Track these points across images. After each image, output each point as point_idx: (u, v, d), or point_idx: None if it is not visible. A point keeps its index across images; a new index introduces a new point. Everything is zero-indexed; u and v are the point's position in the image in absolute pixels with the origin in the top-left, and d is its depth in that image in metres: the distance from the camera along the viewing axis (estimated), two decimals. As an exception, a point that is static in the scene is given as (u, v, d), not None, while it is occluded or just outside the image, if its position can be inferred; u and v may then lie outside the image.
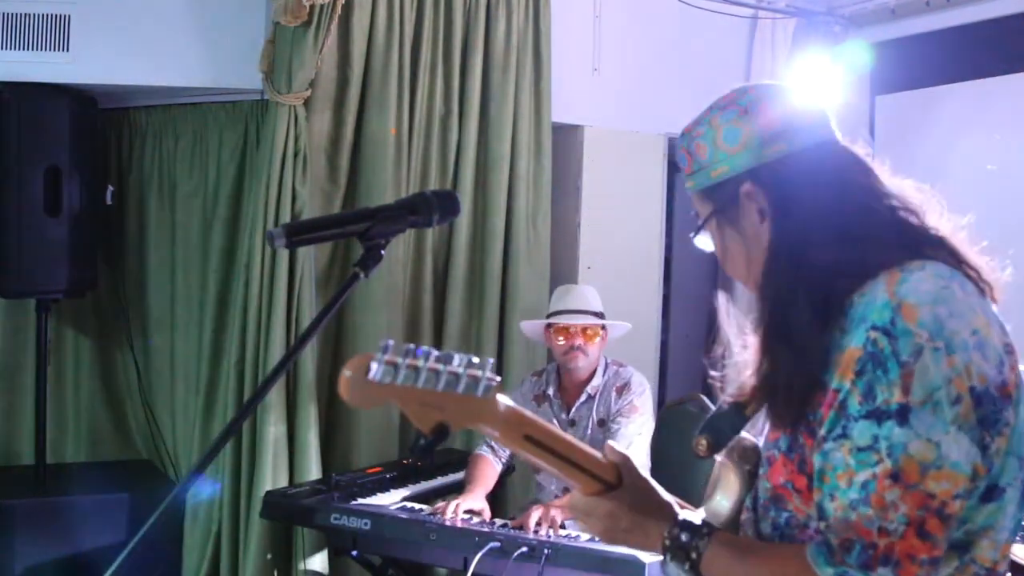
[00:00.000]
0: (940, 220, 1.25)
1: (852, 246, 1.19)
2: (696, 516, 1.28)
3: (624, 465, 1.29)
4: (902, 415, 1.09)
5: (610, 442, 1.33)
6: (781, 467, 1.23)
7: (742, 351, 1.33)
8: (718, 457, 1.35)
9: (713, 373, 1.38)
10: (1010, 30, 4.01)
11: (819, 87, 4.15)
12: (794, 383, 1.20)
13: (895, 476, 1.08)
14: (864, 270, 1.17)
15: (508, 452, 3.33)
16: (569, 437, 1.26)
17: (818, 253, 1.20)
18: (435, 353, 1.07)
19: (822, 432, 1.15)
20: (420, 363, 1.06)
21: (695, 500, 1.42)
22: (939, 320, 1.10)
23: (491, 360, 1.11)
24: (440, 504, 3.01)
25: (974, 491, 1.11)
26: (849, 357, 1.13)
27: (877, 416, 1.10)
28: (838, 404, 1.13)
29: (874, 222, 1.22)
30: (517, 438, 1.19)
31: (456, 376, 1.08)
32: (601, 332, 3.28)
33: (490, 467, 3.28)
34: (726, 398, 1.35)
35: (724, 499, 1.32)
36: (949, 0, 4.16)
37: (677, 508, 1.29)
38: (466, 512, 2.98)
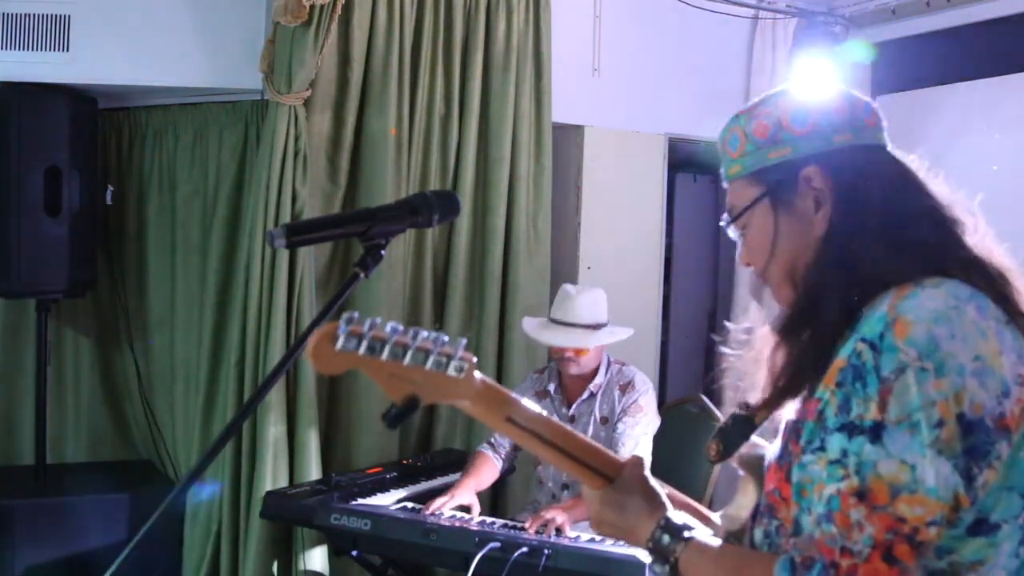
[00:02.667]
0: (989, 245, 1.22)
1: (896, 250, 1.17)
2: (683, 517, 1.27)
3: (630, 463, 1.29)
4: (875, 432, 1.05)
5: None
6: (772, 474, 1.22)
7: (751, 352, 1.32)
8: (736, 466, 1.34)
9: (729, 359, 1.36)
10: (1010, 30, 4.02)
11: (819, 87, 4.15)
12: (805, 363, 1.18)
13: (860, 494, 1.04)
14: (890, 279, 1.14)
15: (509, 451, 3.33)
16: (561, 425, 1.26)
17: (868, 250, 1.18)
18: (401, 327, 1.08)
19: (802, 443, 1.13)
20: (386, 334, 1.07)
21: (695, 497, 1.42)
22: (934, 340, 1.06)
23: (463, 340, 1.12)
24: (431, 502, 3.03)
25: (958, 522, 1.06)
26: (835, 368, 1.11)
27: (849, 430, 1.07)
28: (817, 414, 1.11)
29: (919, 230, 1.19)
30: (498, 419, 1.20)
31: (426, 351, 1.09)
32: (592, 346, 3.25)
33: (487, 464, 3.28)
34: (740, 403, 1.33)
35: (741, 507, 1.32)
36: (949, 0, 4.17)
37: (671, 509, 1.28)
38: (456, 508, 3.00)
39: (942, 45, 4.28)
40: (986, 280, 1.16)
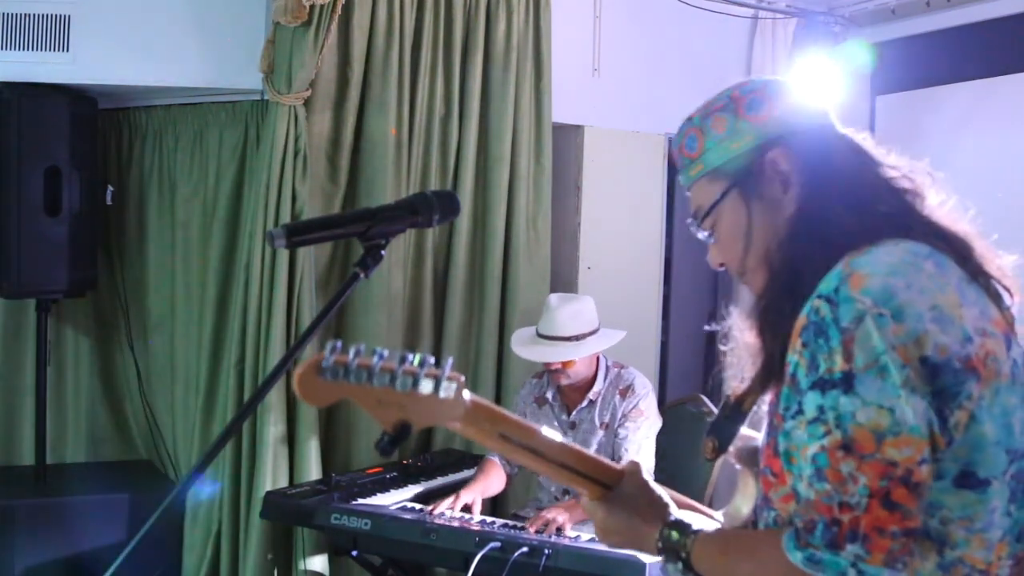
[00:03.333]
0: (950, 213, 1.24)
1: (864, 218, 1.19)
2: (690, 516, 1.28)
3: (629, 471, 1.30)
4: (846, 383, 1.05)
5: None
6: (763, 454, 1.22)
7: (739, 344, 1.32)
8: (733, 461, 1.35)
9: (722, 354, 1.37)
10: (1010, 30, 4.01)
11: (819, 87, 4.15)
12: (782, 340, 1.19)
13: (847, 447, 1.04)
14: (852, 245, 1.15)
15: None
16: (556, 438, 1.26)
17: (840, 221, 1.19)
18: (387, 353, 1.07)
19: (779, 412, 1.14)
20: (372, 362, 1.06)
21: (696, 498, 1.43)
22: (889, 289, 1.07)
23: (450, 359, 1.11)
24: (437, 503, 3.03)
25: (941, 468, 1.07)
26: (797, 327, 1.12)
27: (821, 386, 1.07)
28: (790, 378, 1.12)
29: (881, 200, 1.22)
30: (491, 436, 1.20)
31: (414, 375, 1.08)
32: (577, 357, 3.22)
33: (496, 471, 3.28)
34: (728, 394, 1.34)
35: (743, 503, 1.32)
36: (949, 0, 4.16)
37: (674, 508, 1.29)
38: (460, 509, 3.01)
39: (942, 45, 4.28)
40: (947, 242, 1.17)
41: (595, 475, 1.28)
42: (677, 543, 1.24)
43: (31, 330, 3.95)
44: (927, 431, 1.05)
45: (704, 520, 1.28)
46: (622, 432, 3.19)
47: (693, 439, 3.43)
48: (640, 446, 3.16)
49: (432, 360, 1.10)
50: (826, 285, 1.10)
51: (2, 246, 3.65)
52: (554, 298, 3.32)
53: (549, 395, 3.35)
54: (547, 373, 3.33)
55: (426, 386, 1.09)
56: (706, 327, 1.41)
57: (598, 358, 3.31)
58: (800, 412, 1.09)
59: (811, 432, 1.08)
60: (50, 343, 3.93)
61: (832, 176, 1.23)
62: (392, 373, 1.07)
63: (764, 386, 1.25)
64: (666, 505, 1.29)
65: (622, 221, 4.37)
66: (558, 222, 4.25)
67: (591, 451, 3.40)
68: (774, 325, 1.21)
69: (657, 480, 1.34)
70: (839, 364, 1.06)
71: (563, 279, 4.26)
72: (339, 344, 1.06)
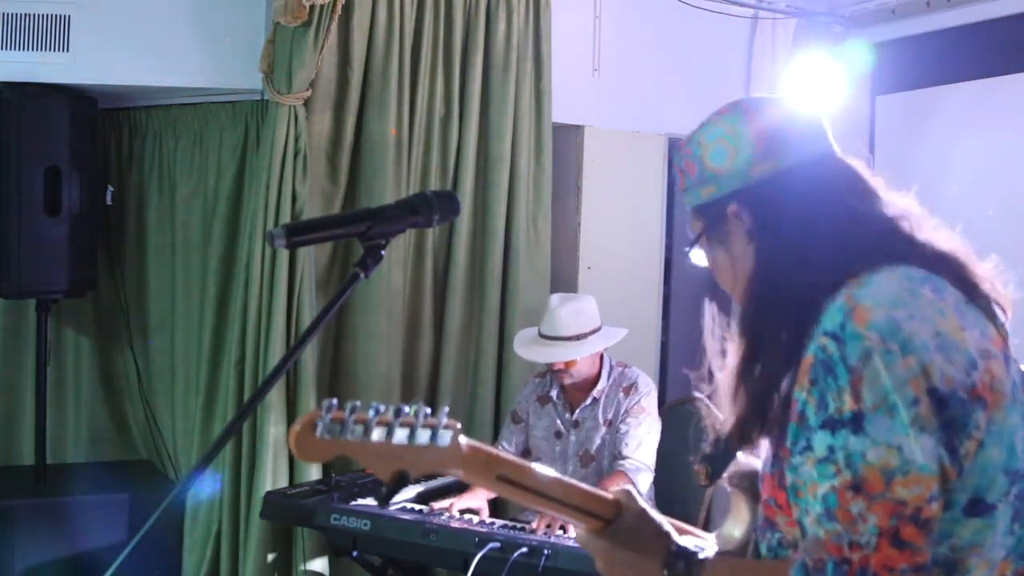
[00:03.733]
0: (938, 234, 1.22)
1: (835, 262, 1.18)
2: (693, 542, 1.27)
3: (624, 499, 1.28)
4: (856, 423, 1.06)
5: (620, 466, 1.34)
6: (767, 484, 1.22)
7: (721, 371, 1.32)
8: (726, 486, 1.35)
9: (699, 394, 1.38)
10: (1010, 30, 4.01)
11: (819, 88, 4.16)
12: (758, 403, 1.20)
13: (856, 487, 1.05)
14: (841, 278, 1.15)
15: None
16: (552, 473, 1.25)
17: (801, 274, 1.19)
18: (383, 407, 1.08)
19: (787, 445, 1.14)
20: (368, 416, 1.07)
21: (695, 497, 1.43)
22: (894, 322, 1.08)
23: (446, 408, 1.12)
24: (439, 503, 3.03)
25: (951, 499, 1.07)
26: (805, 365, 1.12)
27: (831, 426, 1.07)
28: (798, 415, 1.12)
29: (861, 237, 1.20)
30: (489, 479, 1.20)
31: (410, 426, 1.09)
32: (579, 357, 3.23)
33: None
34: (712, 445, 1.34)
35: (735, 526, 1.32)
36: (949, 0, 4.16)
37: (676, 535, 1.27)
38: (463, 511, 3.00)
39: (942, 45, 4.28)
40: (941, 264, 1.17)
41: (592, 508, 1.27)
42: (684, 573, 1.23)
43: (31, 330, 3.95)
44: (936, 468, 1.05)
45: (705, 545, 1.27)
46: (623, 427, 3.19)
47: (693, 440, 3.43)
48: (641, 441, 3.16)
49: (428, 411, 1.11)
50: (831, 321, 1.10)
51: (2, 246, 3.65)
52: (555, 298, 3.32)
53: (553, 394, 3.35)
54: (550, 372, 3.33)
55: (423, 436, 1.10)
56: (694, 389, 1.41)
57: (601, 357, 3.31)
58: (809, 448, 1.10)
59: (821, 471, 1.08)
60: (50, 343, 3.93)
61: (795, 224, 1.22)
62: (389, 427, 1.08)
63: (748, 439, 1.25)
64: (667, 532, 1.27)
65: (622, 221, 4.37)
66: (558, 222, 4.25)
67: (593, 449, 3.40)
68: (747, 386, 1.23)
69: (657, 480, 1.34)
70: (848, 404, 1.06)
71: (563, 279, 4.25)
72: (335, 402, 1.08)
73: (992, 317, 1.18)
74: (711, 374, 1.34)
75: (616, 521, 1.27)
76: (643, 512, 1.28)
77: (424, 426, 1.10)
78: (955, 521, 1.09)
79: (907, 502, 1.04)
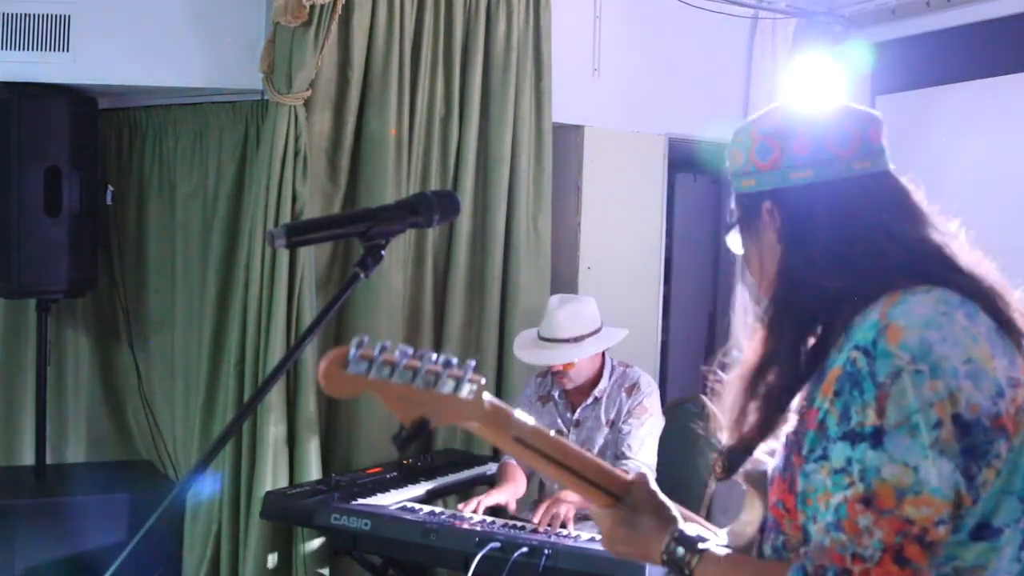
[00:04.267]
0: (977, 261, 1.22)
1: (863, 277, 1.19)
2: (696, 530, 1.28)
3: (637, 481, 1.31)
4: (876, 438, 1.06)
5: (622, 466, 1.36)
6: (776, 487, 1.23)
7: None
8: (741, 483, 1.35)
9: (717, 378, 1.38)
10: (1010, 30, 4.01)
11: (819, 88, 4.15)
12: (773, 402, 1.22)
13: (867, 501, 1.06)
14: (871, 294, 1.16)
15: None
16: (570, 444, 1.28)
17: (827, 281, 1.21)
18: (411, 351, 1.10)
19: (804, 452, 1.14)
20: (396, 358, 1.09)
21: (695, 497, 1.43)
22: (926, 343, 1.08)
23: (472, 362, 1.14)
24: (465, 503, 3.04)
25: (961, 523, 1.08)
26: (832, 376, 1.13)
27: (852, 438, 1.08)
28: (818, 424, 1.13)
29: (896, 256, 1.20)
30: (507, 439, 1.22)
31: (436, 374, 1.11)
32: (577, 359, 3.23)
33: (518, 472, 3.28)
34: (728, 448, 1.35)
35: (748, 523, 1.33)
36: (949, 0, 4.17)
37: (683, 523, 1.29)
38: (489, 509, 3.01)
39: (942, 45, 4.28)
40: (976, 291, 1.17)
41: (605, 484, 1.29)
42: (681, 559, 1.24)
43: (31, 330, 3.95)
44: (951, 493, 1.06)
45: (712, 537, 1.28)
46: (625, 428, 3.19)
47: (693, 439, 3.43)
48: (643, 442, 3.17)
49: (455, 361, 1.12)
50: (863, 336, 1.11)
51: (2, 246, 3.65)
52: (555, 299, 3.33)
53: (555, 393, 3.35)
54: (550, 373, 3.33)
55: (447, 385, 1.11)
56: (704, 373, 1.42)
57: (603, 356, 3.31)
58: (825, 458, 1.11)
59: (835, 481, 1.09)
60: (50, 343, 3.93)
61: (824, 237, 1.22)
62: (415, 371, 1.09)
63: (759, 442, 1.26)
64: (674, 517, 1.29)
65: (622, 221, 4.37)
66: (558, 222, 4.25)
67: (595, 449, 3.40)
68: (760, 389, 1.25)
69: (658, 480, 1.34)
70: (871, 419, 1.07)
71: (563, 279, 4.25)
72: (366, 339, 1.08)
73: (1020, 346, 1.18)
74: (730, 362, 1.35)
75: (624, 499, 1.29)
76: (653, 493, 1.30)
77: (450, 376, 1.11)
78: (961, 544, 1.09)
79: (915, 521, 1.05)
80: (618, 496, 1.29)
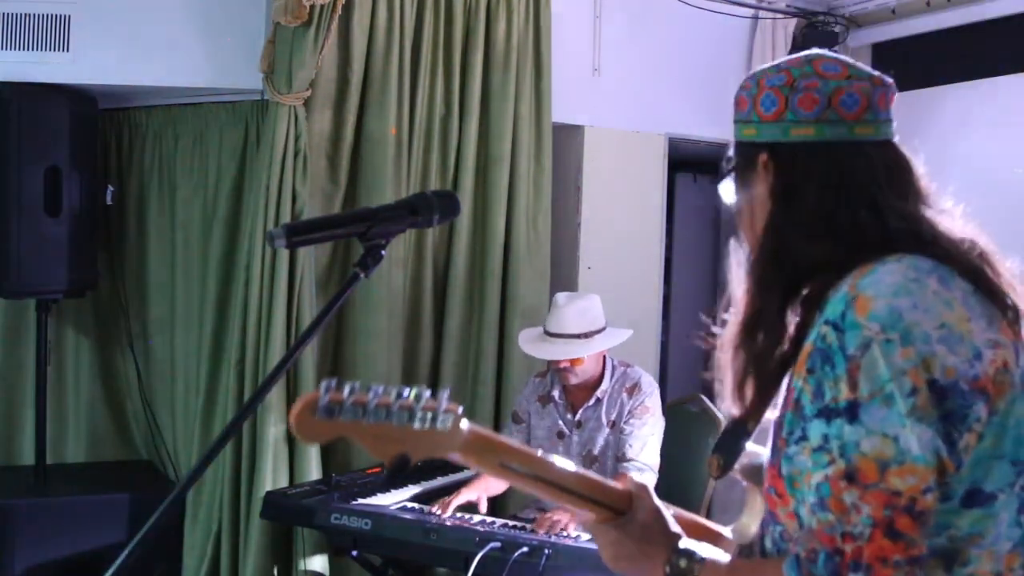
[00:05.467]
0: (959, 227, 1.21)
1: (838, 245, 1.18)
2: (696, 544, 1.26)
3: (638, 494, 1.27)
4: (851, 412, 1.05)
5: (623, 468, 1.34)
6: (768, 473, 1.21)
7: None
8: (739, 478, 1.34)
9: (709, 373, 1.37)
10: (1010, 30, 4.02)
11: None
12: (762, 368, 1.21)
13: (850, 477, 1.04)
14: (846, 264, 1.15)
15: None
16: (558, 462, 1.24)
17: (805, 245, 1.20)
18: (382, 388, 1.08)
19: (783, 435, 1.13)
20: (367, 398, 1.07)
21: (695, 495, 1.43)
22: (896, 312, 1.06)
23: (446, 391, 1.11)
24: (441, 503, 3.02)
25: (949, 490, 1.06)
26: (804, 353, 1.12)
27: (827, 414, 1.07)
28: (794, 404, 1.12)
29: (875, 228, 1.18)
30: (491, 465, 1.19)
31: (409, 409, 1.08)
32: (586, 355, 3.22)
33: None
34: (726, 422, 1.34)
35: (751, 521, 1.31)
36: (949, 0, 4.17)
37: (684, 536, 1.27)
38: (459, 508, 2.99)
39: (942, 45, 4.28)
40: (950, 254, 1.15)
41: (602, 499, 1.26)
42: (685, 570, 1.23)
43: (31, 330, 3.95)
44: (933, 459, 1.04)
45: (712, 549, 1.26)
46: (627, 428, 3.18)
47: (693, 439, 3.43)
48: (645, 443, 3.15)
49: (428, 393, 1.10)
50: (833, 310, 1.10)
51: (2, 246, 3.65)
52: (562, 296, 3.33)
53: (555, 394, 3.34)
54: (553, 372, 3.33)
55: (422, 419, 1.09)
56: (703, 327, 1.41)
57: (604, 357, 3.31)
58: (804, 438, 1.09)
59: (815, 460, 1.07)
60: (50, 343, 3.93)
61: (813, 200, 1.21)
62: (388, 408, 1.07)
63: (759, 409, 1.25)
64: (676, 534, 1.27)
65: (622, 221, 4.37)
66: (558, 222, 4.25)
67: (597, 450, 3.39)
68: (748, 353, 1.23)
69: (658, 480, 1.34)
70: (844, 393, 1.06)
71: (563, 279, 4.25)
72: (334, 382, 1.07)
73: (1004, 308, 1.16)
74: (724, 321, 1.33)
75: (627, 514, 1.26)
76: (656, 509, 1.28)
77: (424, 409, 1.09)
78: (953, 512, 1.07)
79: (902, 492, 1.03)
80: (618, 510, 1.26)
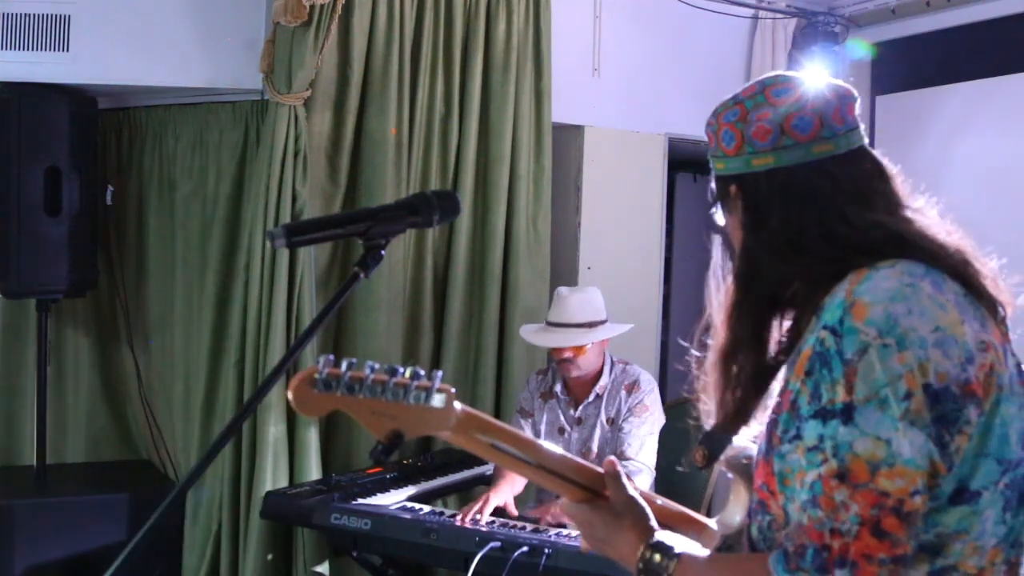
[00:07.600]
0: (944, 231, 1.23)
1: (815, 260, 1.21)
2: (674, 537, 1.28)
3: (614, 480, 1.32)
4: (846, 414, 1.08)
5: (612, 459, 1.36)
6: (760, 470, 1.23)
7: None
8: (724, 469, 1.36)
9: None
10: (1010, 30, 4.02)
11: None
12: (748, 385, 1.25)
13: (841, 476, 1.07)
14: (829, 275, 1.18)
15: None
16: (545, 445, 1.28)
17: (779, 266, 1.24)
18: (378, 365, 1.12)
19: (778, 433, 1.16)
20: (364, 374, 1.11)
21: (694, 494, 1.44)
22: (892, 317, 1.09)
23: (439, 372, 1.16)
24: (468, 506, 2.98)
25: (938, 490, 1.09)
26: (803, 357, 1.14)
27: (823, 415, 1.10)
28: (791, 404, 1.14)
29: (855, 238, 1.20)
30: (481, 446, 1.23)
31: (404, 387, 1.12)
32: (590, 344, 3.23)
33: None
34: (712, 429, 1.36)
35: (735, 511, 1.33)
36: (949, 0, 4.17)
37: (659, 530, 1.29)
38: (492, 513, 2.97)
39: (942, 45, 4.28)
40: (940, 258, 1.19)
41: (583, 481, 1.31)
42: (659, 566, 1.25)
43: (31, 330, 3.95)
44: (924, 463, 1.07)
45: (690, 543, 1.28)
46: (626, 427, 3.19)
47: (693, 439, 3.43)
48: (643, 442, 3.16)
49: (422, 372, 1.14)
50: (831, 316, 1.13)
51: (2, 246, 3.65)
52: (563, 289, 3.37)
53: (557, 389, 3.35)
54: (555, 365, 3.33)
55: (416, 397, 1.13)
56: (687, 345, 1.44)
57: (604, 352, 3.32)
58: (798, 437, 1.12)
59: (809, 459, 1.10)
60: (50, 343, 3.93)
61: (780, 223, 1.24)
62: (384, 384, 1.12)
63: (741, 423, 1.29)
64: (650, 525, 1.29)
65: (622, 221, 4.37)
66: (558, 222, 4.25)
67: (595, 447, 3.39)
68: (731, 372, 1.28)
69: (657, 480, 1.35)
70: (841, 395, 1.09)
71: (563, 279, 4.25)
72: (331, 357, 1.11)
73: (993, 310, 1.19)
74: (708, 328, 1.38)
75: (602, 497, 1.31)
76: (629, 498, 1.31)
77: (418, 387, 1.13)
78: (941, 510, 1.10)
79: (890, 493, 1.06)
80: (593, 491, 1.31)
